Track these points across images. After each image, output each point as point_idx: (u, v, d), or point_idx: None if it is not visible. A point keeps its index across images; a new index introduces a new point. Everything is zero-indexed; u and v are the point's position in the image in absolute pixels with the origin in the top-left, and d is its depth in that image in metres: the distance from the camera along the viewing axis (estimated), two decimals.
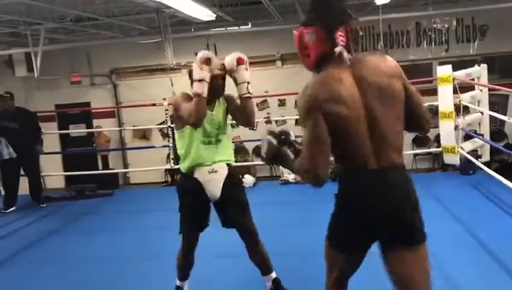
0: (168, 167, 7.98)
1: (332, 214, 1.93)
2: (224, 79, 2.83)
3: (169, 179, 8.97)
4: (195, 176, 2.82)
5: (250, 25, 7.90)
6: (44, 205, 6.19)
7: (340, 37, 1.80)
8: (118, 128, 10.27)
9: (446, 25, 9.01)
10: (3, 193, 6.22)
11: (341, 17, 1.83)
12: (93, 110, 10.30)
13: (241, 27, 7.99)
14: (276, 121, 8.76)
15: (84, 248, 4.52)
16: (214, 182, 2.82)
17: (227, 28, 8.28)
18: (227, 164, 2.89)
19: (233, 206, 2.87)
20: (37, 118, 6.52)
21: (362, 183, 1.82)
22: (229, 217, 2.89)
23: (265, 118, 8.77)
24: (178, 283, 3.05)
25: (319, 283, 2.04)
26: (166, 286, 3.21)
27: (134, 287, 3.56)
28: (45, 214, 5.93)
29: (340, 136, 1.79)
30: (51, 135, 8.62)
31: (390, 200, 1.80)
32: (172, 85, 8.15)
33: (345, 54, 1.79)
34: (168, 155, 8.05)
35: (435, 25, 9.05)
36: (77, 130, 10.26)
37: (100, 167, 10.09)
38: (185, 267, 2.98)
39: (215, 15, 7.06)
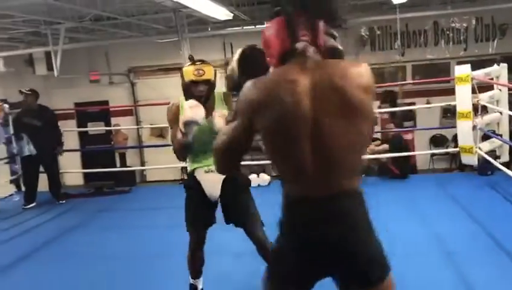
0: (183, 165, 8.02)
1: (275, 240, 1.65)
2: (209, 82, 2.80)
3: (185, 177, 9.03)
4: (195, 174, 2.87)
5: (266, 24, 7.91)
6: (64, 201, 6.28)
7: (305, 30, 1.48)
8: (136, 127, 10.39)
9: (465, 24, 8.92)
10: (23, 189, 6.33)
11: (306, 5, 1.49)
12: (111, 109, 10.43)
13: (257, 26, 8.00)
14: None
15: (102, 245, 4.58)
16: (210, 182, 2.83)
17: (244, 27, 8.30)
18: None
19: (236, 207, 2.85)
20: (56, 117, 6.60)
21: (302, 212, 1.53)
22: (231, 217, 2.89)
23: None
24: (191, 280, 3.06)
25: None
26: (183, 283, 3.25)
27: (152, 284, 3.60)
28: (64, 210, 6.02)
29: (276, 153, 1.53)
30: (70, 133, 8.76)
31: (334, 233, 1.50)
32: None
33: (310, 53, 1.49)
34: None
35: (454, 24, 8.96)
36: (96, 128, 10.41)
37: (118, 164, 10.21)
38: (194, 264, 2.98)
39: (232, 14, 7.10)
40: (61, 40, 7.45)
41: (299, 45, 1.48)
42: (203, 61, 2.82)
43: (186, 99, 2.70)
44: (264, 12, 7.95)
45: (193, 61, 2.81)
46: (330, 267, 1.55)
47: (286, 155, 1.50)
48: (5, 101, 7.20)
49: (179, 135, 2.62)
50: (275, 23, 1.54)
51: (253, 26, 7.96)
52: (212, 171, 2.76)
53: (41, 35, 7.98)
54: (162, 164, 9.05)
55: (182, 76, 2.78)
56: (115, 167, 9.67)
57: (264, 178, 6.41)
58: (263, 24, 7.97)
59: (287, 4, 1.51)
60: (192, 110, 2.56)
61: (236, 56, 2.35)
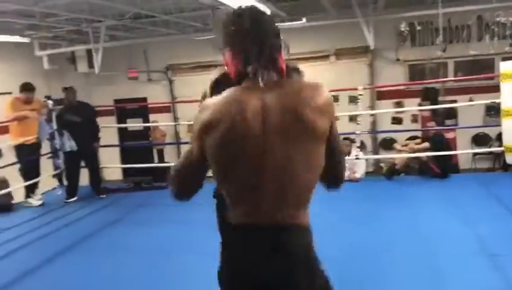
0: None
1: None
2: None
3: None
4: None
5: (304, 20, 7.84)
6: (104, 196, 6.42)
7: (258, 54, 1.45)
8: (173, 123, 10.52)
9: (511, 18, 8.58)
10: (65, 183, 6.51)
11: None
12: (149, 105, 10.60)
13: (295, 22, 7.95)
14: None
15: (141, 238, 4.66)
16: None
17: (282, 24, 8.26)
18: None
19: None
20: (96, 113, 6.75)
21: (240, 243, 1.46)
22: None
23: None
24: None
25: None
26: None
27: (188, 278, 3.63)
28: (104, 204, 6.16)
29: (222, 173, 1.46)
30: (109, 129, 8.95)
31: (273, 272, 1.40)
32: None
33: (261, 74, 1.44)
34: None
35: (499, 18, 8.64)
36: (134, 124, 10.61)
37: (156, 160, 10.38)
38: None
39: (270, 10, 7.07)
40: (102, 38, 7.63)
41: (250, 68, 1.45)
42: None
43: None
44: (303, 8, 7.90)
45: None
46: None
47: (232, 175, 1.44)
48: (49, 97, 7.44)
49: None
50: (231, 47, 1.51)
51: (292, 23, 7.91)
52: None
53: (83, 33, 8.19)
54: None
55: None
56: (153, 162, 9.82)
57: None
58: (302, 20, 7.93)
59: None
60: None
61: (209, 82, 2.37)
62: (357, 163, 6.32)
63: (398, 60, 9.24)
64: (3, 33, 7.49)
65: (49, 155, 6.83)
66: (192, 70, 10.45)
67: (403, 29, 9.08)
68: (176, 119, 10.72)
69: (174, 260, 4.00)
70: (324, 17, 7.90)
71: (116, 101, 10.58)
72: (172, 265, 3.89)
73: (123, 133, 10.72)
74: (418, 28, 9.04)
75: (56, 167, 6.78)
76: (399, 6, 8.02)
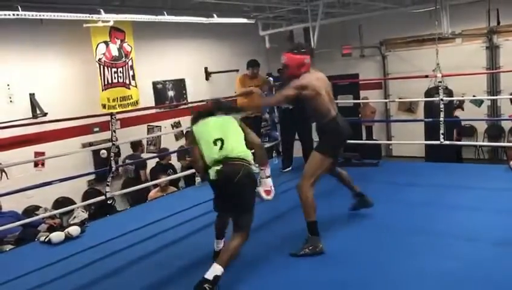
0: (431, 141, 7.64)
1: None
2: None
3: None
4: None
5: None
6: None
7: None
8: (384, 100, 10.35)
9: None
10: (281, 154, 7.00)
11: None
12: (360, 82, 10.60)
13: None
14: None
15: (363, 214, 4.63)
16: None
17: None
18: None
19: None
20: None
21: (339, 120, 4.05)
22: None
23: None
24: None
25: None
26: (434, 261, 3.14)
27: (406, 258, 3.59)
28: None
29: (319, 98, 3.93)
30: None
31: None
32: (437, 55, 7.68)
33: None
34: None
35: None
36: (345, 101, 10.74)
37: (364, 137, 10.39)
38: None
39: None
40: (319, 15, 7.86)
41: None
42: None
43: None
44: None
45: None
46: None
47: (322, 99, 3.88)
48: (270, 74, 8.05)
49: None
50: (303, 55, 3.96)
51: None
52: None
53: (302, 12, 8.55)
54: (409, 139, 8.83)
55: None
56: (361, 139, 9.85)
57: None
58: None
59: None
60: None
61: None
62: None
63: None
64: (233, 15, 8.33)
65: (268, 127, 7.42)
66: (407, 45, 10.08)
67: None
68: (387, 96, 10.52)
69: (382, 238, 3.98)
70: None
71: (329, 77, 10.76)
72: (380, 245, 3.87)
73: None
74: None
75: (274, 139, 7.33)
76: None
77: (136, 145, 8.07)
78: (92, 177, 7.46)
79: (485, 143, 9.61)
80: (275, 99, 4.99)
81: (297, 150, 6.92)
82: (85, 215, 5.75)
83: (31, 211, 6.51)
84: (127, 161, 7.87)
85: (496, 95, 9.40)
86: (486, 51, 9.68)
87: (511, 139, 9.10)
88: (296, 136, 6.86)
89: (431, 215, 4.39)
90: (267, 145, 7.43)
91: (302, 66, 3.87)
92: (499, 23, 9.35)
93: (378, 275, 3.30)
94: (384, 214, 4.48)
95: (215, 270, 3.01)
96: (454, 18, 7.83)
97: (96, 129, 7.59)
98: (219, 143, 3.21)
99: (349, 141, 7.46)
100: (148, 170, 8.24)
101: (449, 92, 7.46)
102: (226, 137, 3.24)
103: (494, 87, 9.56)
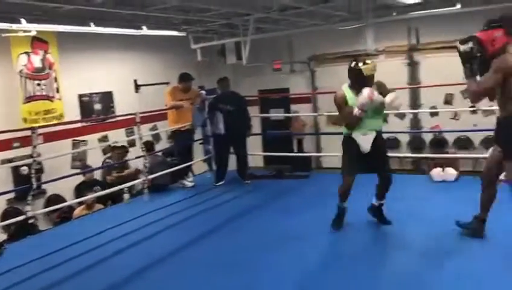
0: None
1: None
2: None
3: None
4: (352, 136, 4.21)
5: (459, 6, 7.27)
6: (249, 182, 6.71)
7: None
8: (314, 114, 10.59)
9: None
10: (214, 168, 6.93)
11: None
12: (291, 96, 10.81)
13: (447, 8, 7.42)
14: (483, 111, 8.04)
15: (286, 222, 4.77)
16: (365, 141, 4.17)
17: (431, 10, 7.77)
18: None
19: (377, 157, 4.24)
20: (246, 102, 7.07)
21: None
22: (372, 165, 4.24)
23: (470, 106, 8.04)
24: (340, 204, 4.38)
25: None
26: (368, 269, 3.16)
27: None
28: (249, 190, 6.42)
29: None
30: (253, 118, 9.29)
31: None
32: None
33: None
34: None
35: None
36: (276, 114, 10.91)
37: (295, 149, 10.57)
38: (345, 196, 4.34)
39: None
40: (250, 30, 7.93)
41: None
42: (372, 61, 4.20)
43: (358, 87, 4.12)
44: None
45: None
46: None
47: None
48: (202, 88, 7.99)
49: (355, 111, 4.04)
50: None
51: (445, 9, 7.40)
52: (366, 134, 4.17)
53: (233, 26, 8.59)
54: (338, 151, 9.05)
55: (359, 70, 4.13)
56: (292, 152, 10.01)
57: (450, 172, 5.97)
58: (454, 6, 7.36)
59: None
60: (370, 94, 3.98)
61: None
62: None
63: None
64: (164, 28, 8.21)
65: (201, 141, 7.33)
66: (335, 61, 10.39)
67: None
68: (316, 109, 10.79)
69: (319, 246, 4.03)
70: (483, 2, 7.23)
71: (260, 91, 10.96)
72: (315, 249, 3.92)
73: (265, 122, 11.10)
74: None
75: (206, 152, 7.25)
76: None
77: None
78: (12, 195, 6.97)
79: (408, 154, 10.08)
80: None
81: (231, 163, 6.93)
82: (4, 236, 5.34)
83: None
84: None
85: (417, 109, 9.93)
86: (407, 67, 10.24)
87: (432, 150, 9.60)
88: (232, 150, 6.84)
89: (358, 224, 4.51)
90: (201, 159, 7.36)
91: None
92: (418, 41, 9.95)
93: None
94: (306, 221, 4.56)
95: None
96: (379, 36, 8.21)
97: (16, 144, 7.13)
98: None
99: (283, 154, 7.53)
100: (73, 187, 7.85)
101: None
102: None
103: (414, 101, 10.11)
